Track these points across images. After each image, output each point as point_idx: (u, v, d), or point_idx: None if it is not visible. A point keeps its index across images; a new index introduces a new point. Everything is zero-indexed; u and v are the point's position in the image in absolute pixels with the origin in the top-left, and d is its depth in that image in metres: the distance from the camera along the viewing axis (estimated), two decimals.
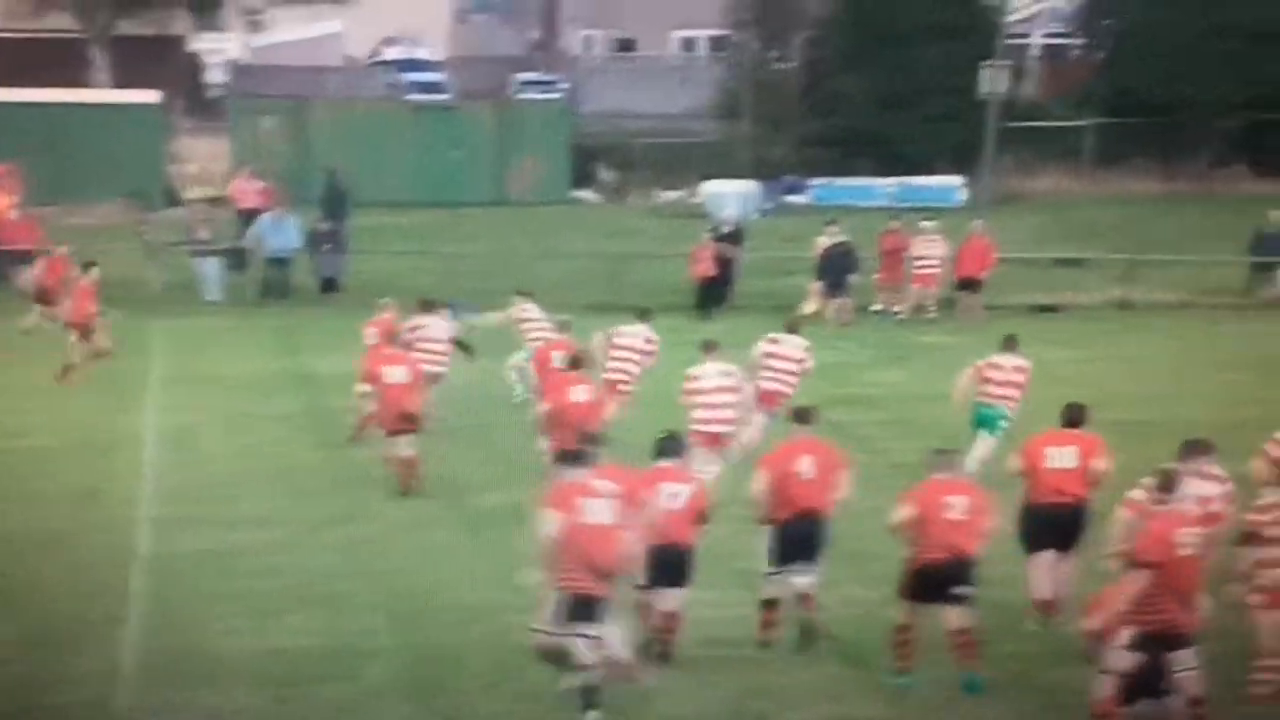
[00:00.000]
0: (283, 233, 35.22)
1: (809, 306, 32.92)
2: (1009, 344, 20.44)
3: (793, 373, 21.50)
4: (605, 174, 54.23)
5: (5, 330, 29.61)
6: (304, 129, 51.11)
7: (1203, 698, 12.56)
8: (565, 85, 61.38)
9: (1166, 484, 13.08)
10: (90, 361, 26.30)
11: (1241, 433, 14.43)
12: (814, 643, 14.82)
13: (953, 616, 13.81)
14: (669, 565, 13.94)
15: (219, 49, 74.04)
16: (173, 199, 46.56)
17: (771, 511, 14.81)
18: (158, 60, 61.20)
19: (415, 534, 18.53)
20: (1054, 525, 15.24)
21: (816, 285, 33.52)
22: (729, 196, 46.02)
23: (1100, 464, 15.20)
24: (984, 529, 13.87)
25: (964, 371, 20.40)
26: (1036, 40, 65.79)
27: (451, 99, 59.23)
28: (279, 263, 35.15)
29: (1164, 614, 12.50)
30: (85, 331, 26.46)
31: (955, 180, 50.26)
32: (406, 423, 19.90)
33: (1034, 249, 40.06)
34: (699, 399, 19.39)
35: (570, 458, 13.71)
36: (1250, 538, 13.59)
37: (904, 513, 13.87)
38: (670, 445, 14.41)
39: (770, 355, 21.59)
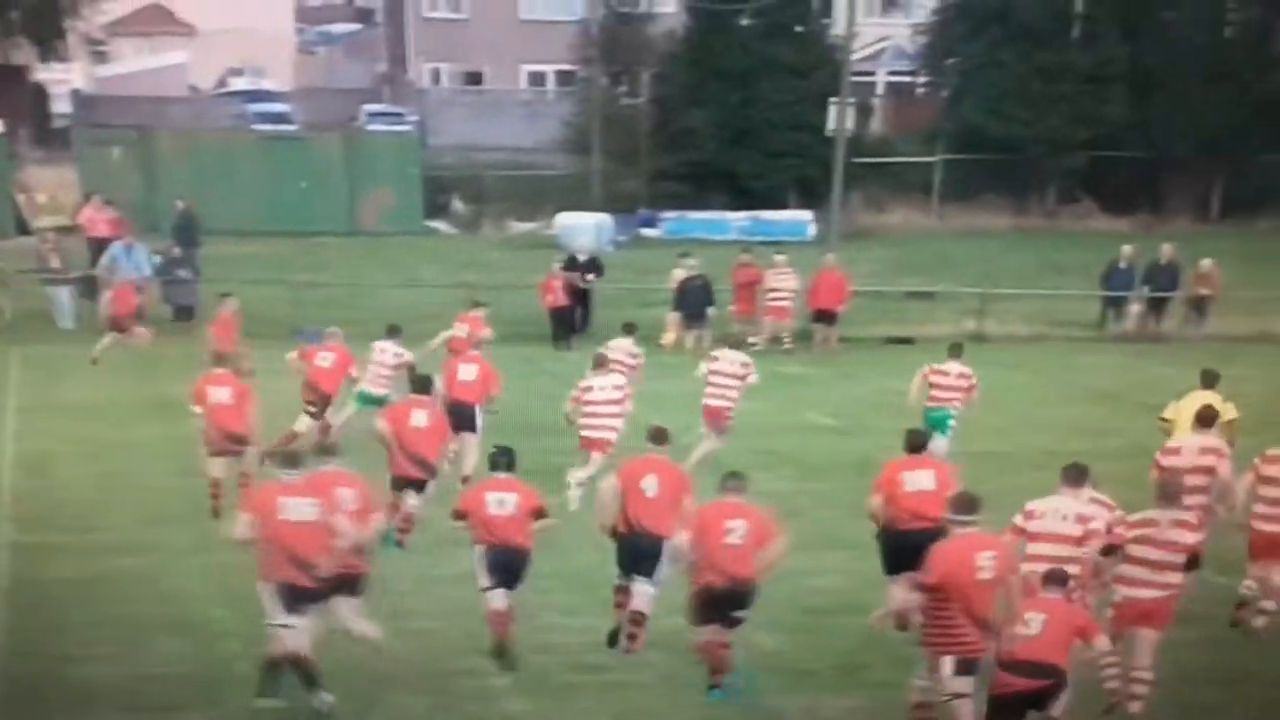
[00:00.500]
0: (134, 261, 34.93)
1: (668, 336, 33.28)
2: (954, 352, 22.67)
3: (734, 387, 22.38)
4: (458, 205, 54.20)
5: None
6: (151, 158, 50.81)
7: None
8: (414, 117, 61.20)
9: (963, 507, 12.94)
10: None
11: (1096, 463, 14.70)
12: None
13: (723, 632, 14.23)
14: (506, 566, 14.79)
15: (64, 79, 73.30)
16: (22, 228, 46.33)
17: (616, 524, 15.20)
18: (1, 91, 60.43)
19: None
20: (914, 549, 15.31)
21: (674, 316, 33.92)
22: (583, 228, 46.22)
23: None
24: (764, 554, 14.01)
25: (915, 377, 22.48)
26: (881, 78, 66.79)
27: (298, 130, 58.92)
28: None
29: (967, 640, 12.47)
30: None
31: (806, 215, 50.92)
32: (231, 443, 19.66)
33: (886, 282, 40.60)
34: (588, 408, 20.55)
35: (284, 460, 14.07)
36: (1113, 549, 13.69)
37: (684, 535, 14.27)
38: (500, 459, 15.25)
39: (712, 372, 22.45)
